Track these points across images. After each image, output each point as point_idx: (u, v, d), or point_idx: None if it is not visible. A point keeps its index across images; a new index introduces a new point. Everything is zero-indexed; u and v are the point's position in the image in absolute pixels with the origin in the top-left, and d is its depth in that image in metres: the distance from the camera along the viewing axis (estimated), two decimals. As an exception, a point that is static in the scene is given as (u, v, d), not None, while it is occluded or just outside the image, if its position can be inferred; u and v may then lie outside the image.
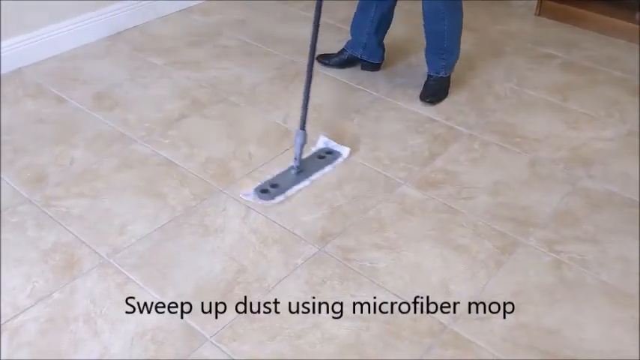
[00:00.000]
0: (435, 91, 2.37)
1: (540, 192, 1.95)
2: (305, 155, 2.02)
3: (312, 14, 2.01)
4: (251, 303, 1.59)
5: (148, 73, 2.54)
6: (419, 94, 2.38)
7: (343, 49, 2.55)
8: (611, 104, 2.35)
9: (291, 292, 1.62)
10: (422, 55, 2.40)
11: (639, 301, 1.60)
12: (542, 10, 2.99)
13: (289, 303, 1.59)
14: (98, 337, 1.50)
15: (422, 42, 2.37)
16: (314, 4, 1.99)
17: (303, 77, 2.01)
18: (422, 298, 1.61)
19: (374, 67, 2.54)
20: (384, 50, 2.52)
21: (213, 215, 1.85)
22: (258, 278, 1.66)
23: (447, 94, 2.39)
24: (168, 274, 1.66)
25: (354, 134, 2.19)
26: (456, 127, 2.23)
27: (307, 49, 2.06)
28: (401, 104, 2.36)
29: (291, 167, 1.99)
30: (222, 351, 1.48)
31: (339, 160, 2.06)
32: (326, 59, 2.57)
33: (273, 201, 1.89)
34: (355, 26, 2.47)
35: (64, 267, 1.69)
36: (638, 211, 1.87)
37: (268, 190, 1.92)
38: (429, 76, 2.39)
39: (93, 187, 1.95)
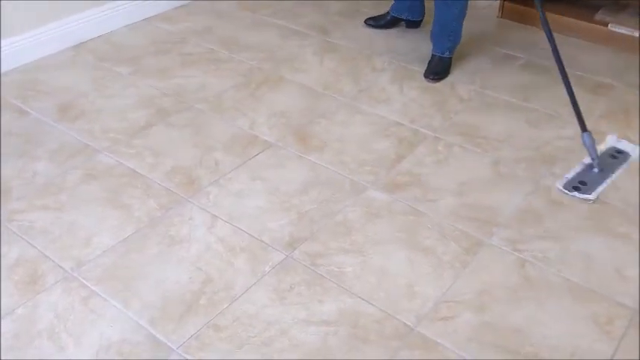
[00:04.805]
0: (438, 69, 2.56)
1: (504, 192, 1.98)
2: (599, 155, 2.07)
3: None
4: (218, 313, 1.58)
5: (112, 83, 2.52)
6: (385, 97, 2.41)
7: (388, 12, 2.88)
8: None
9: (259, 300, 1.62)
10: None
11: (600, 297, 1.63)
12: (504, 12, 3.04)
13: (256, 311, 1.59)
14: (63, 351, 1.49)
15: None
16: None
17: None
18: (388, 300, 1.62)
19: (417, 24, 2.88)
20: (424, 7, 2.84)
21: (179, 225, 1.84)
22: (225, 287, 1.65)
23: (449, 74, 2.57)
24: (133, 286, 1.65)
25: (321, 139, 2.21)
26: (421, 129, 2.26)
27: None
28: (366, 108, 2.38)
29: (591, 166, 2.05)
30: (189, 361, 1.47)
31: (631, 159, 2.10)
32: (374, 21, 2.91)
33: (592, 197, 1.94)
34: None
35: (27, 282, 1.67)
36: (598, 207, 1.91)
37: (581, 188, 1.97)
38: (433, 55, 2.58)
39: (57, 199, 1.93)
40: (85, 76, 2.57)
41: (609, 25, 2.78)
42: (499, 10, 3.04)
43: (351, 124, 2.29)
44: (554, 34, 2.04)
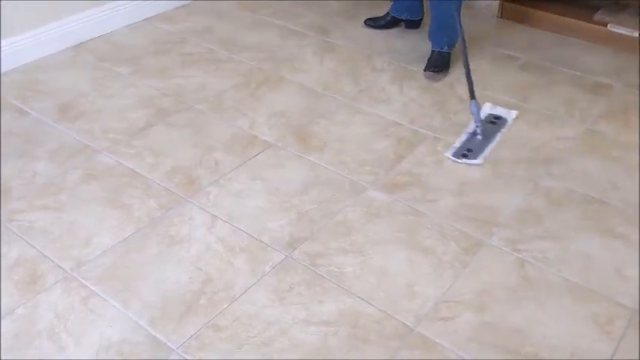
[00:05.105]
0: (438, 63, 2.57)
1: (503, 192, 1.98)
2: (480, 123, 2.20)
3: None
4: (217, 313, 1.58)
5: (112, 83, 2.52)
6: (385, 97, 2.41)
7: (387, 12, 2.89)
8: (570, 103, 2.40)
9: (259, 300, 1.62)
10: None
11: (600, 297, 1.64)
12: (503, 12, 3.04)
13: (256, 311, 1.59)
14: (63, 351, 1.49)
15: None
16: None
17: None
18: (388, 301, 1.62)
19: (416, 24, 2.88)
20: (423, 6, 2.85)
21: (179, 225, 1.84)
22: (225, 287, 1.65)
23: (449, 68, 2.59)
24: (133, 286, 1.65)
25: (320, 139, 2.21)
26: (421, 129, 2.26)
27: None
28: (366, 108, 2.38)
29: (474, 134, 2.19)
30: (189, 361, 1.47)
31: (508, 123, 2.26)
32: (373, 22, 2.91)
33: (479, 161, 2.08)
34: None
35: (27, 282, 1.67)
36: (598, 207, 1.91)
37: (467, 154, 2.11)
38: (432, 51, 2.60)
39: (57, 199, 1.93)
40: (85, 76, 2.57)
41: (609, 25, 2.78)
42: (499, 10, 3.04)
43: (351, 124, 2.29)
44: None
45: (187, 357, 1.48)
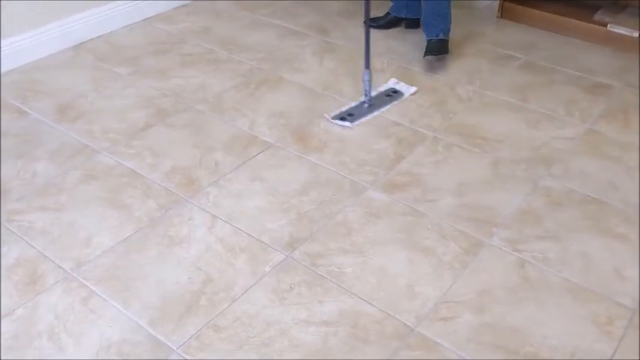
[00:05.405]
0: (436, 48, 2.61)
1: (503, 192, 1.98)
2: (374, 93, 2.39)
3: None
4: (218, 313, 1.58)
5: (112, 83, 2.52)
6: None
7: (388, 12, 2.90)
8: (570, 103, 2.40)
9: (259, 301, 1.62)
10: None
11: (600, 297, 1.64)
12: (503, 12, 3.04)
13: (256, 311, 1.59)
14: (63, 352, 1.49)
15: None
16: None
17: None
18: (388, 301, 1.62)
19: (416, 23, 2.86)
20: (421, 5, 2.79)
21: (179, 225, 1.84)
22: (225, 288, 1.65)
23: (448, 52, 2.64)
24: (133, 287, 1.65)
25: (320, 139, 2.21)
26: (420, 129, 2.26)
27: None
28: (366, 108, 2.38)
29: (363, 102, 2.35)
30: (190, 362, 1.47)
31: (403, 97, 2.40)
32: (374, 22, 2.86)
33: (352, 125, 2.25)
34: None
35: (27, 282, 1.66)
36: (597, 207, 1.92)
37: (346, 117, 2.28)
38: (429, 40, 2.64)
39: (56, 200, 1.93)
40: (85, 76, 2.57)
41: (608, 26, 2.78)
42: (499, 10, 3.04)
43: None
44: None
45: (187, 357, 1.48)
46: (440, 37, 2.62)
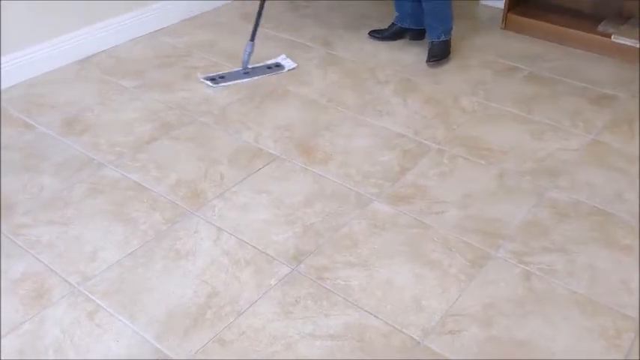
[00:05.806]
0: (437, 52, 2.71)
1: (508, 204, 1.97)
2: (259, 64, 2.67)
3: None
4: (223, 327, 1.58)
5: (117, 97, 2.53)
6: (389, 109, 2.42)
7: (392, 23, 2.93)
8: (575, 114, 2.40)
9: (264, 314, 1.62)
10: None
11: (607, 310, 1.63)
12: (507, 23, 3.05)
13: (262, 325, 1.59)
14: (69, 367, 1.49)
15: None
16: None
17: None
18: (395, 314, 1.62)
19: (420, 34, 2.91)
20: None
21: (185, 238, 1.85)
22: (231, 301, 1.65)
23: (449, 54, 2.74)
24: (139, 301, 1.65)
25: (325, 151, 2.21)
26: (425, 141, 2.26)
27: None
28: (370, 120, 2.38)
29: (241, 69, 2.63)
30: (196, 376, 1.47)
31: (283, 71, 2.64)
32: (378, 34, 2.94)
33: (215, 86, 2.53)
34: (398, 1, 2.86)
35: (33, 297, 1.67)
36: (603, 219, 1.91)
37: (216, 79, 2.58)
38: (431, 42, 2.73)
39: (63, 214, 1.94)
40: (90, 90, 2.58)
41: (612, 37, 2.79)
42: (503, 22, 3.05)
43: (355, 137, 2.29)
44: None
45: (193, 372, 1.48)
46: (442, 39, 2.70)
